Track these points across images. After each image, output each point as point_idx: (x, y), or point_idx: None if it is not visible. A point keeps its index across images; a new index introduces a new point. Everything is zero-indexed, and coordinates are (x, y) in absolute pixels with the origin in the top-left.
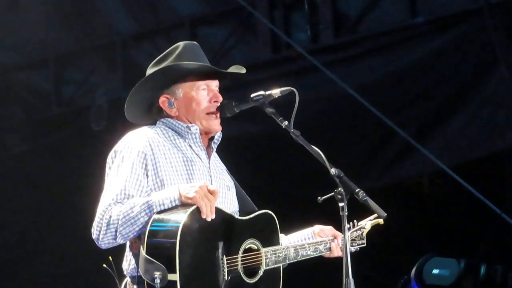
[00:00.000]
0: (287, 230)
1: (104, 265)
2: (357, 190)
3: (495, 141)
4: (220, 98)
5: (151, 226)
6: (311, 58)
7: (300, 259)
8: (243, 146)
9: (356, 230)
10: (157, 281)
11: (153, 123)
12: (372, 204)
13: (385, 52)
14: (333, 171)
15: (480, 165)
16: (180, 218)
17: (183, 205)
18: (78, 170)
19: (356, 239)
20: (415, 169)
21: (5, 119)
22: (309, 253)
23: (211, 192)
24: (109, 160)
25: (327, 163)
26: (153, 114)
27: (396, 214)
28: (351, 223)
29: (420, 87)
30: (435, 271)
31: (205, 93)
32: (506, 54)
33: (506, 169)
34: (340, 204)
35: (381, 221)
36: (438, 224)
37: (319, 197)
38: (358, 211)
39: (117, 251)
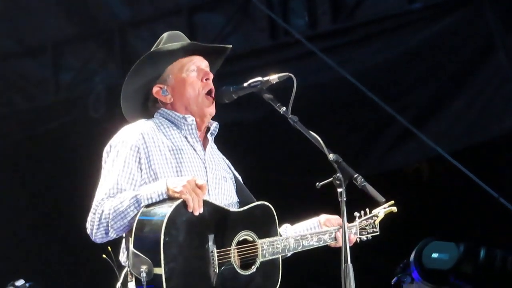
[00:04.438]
0: (285, 216)
1: (104, 256)
2: (355, 176)
3: (493, 126)
4: (211, 75)
5: (137, 220)
6: (309, 44)
7: (303, 249)
8: (240, 133)
9: (367, 219)
10: (143, 274)
11: (151, 115)
12: (371, 189)
13: (383, 38)
14: (331, 156)
15: (478, 151)
16: (165, 211)
17: (171, 199)
18: (77, 157)
19: (367, 227)
20: (414, 155)
21: (3, 106)
22: (312, 243)
23: (199, 187)
24: (104, 154)
25: (325, 149)
26: (149, 109)
27: (394, 200)
28: (362, 211)
29: (419, 73)
30: (435, 255)
31: (195, 73)
32: (504, 40)
33: (504, 154)
34: (339, 190)
35: (394, 209)
36: (437, 209)
37: (317, 183)
38: (357, 197)
39: (117, 242)
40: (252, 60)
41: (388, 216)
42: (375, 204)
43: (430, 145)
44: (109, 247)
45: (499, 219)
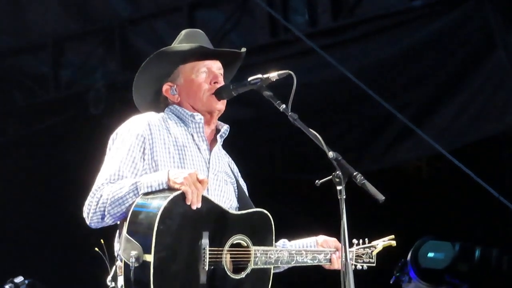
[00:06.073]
0: (285, 214)
1: (96, 249)
2: (355, 174)
3: (494, 124)
4: (220, 79)
5: (134, 205)
6: (309, 41)
7: (296, 265)
8: (239, 130)
9: (365, 247)
10: (132, 260)
11: (162, 111)
12: (370, 187)
13: (383, 35)
14: (331, 154)
15: (479, 148)
16: (163, 201)
17: (170, 189)
18: (77, 154)
19: (363, 256)
20: (414, 152)
21: (3, 103)
22: (306, 260)
23: (200, 181)
24: (110, 141)
25: (325, 146)
26: (160, 103)
27: (394, 198)
28: (360, 240)
29: (419, 70)
30: (430, 255)
31: (205, 75)
32: (504, 37)
33: (504, 152)
34: (338, 188)
35: (393, 243)
36: (437, 207)
37: (317, 181)
38: (356, 196)
39: (110, 235)
40: (252, 58)
41: (388, 213)
42: (375, 203)
43: (430, 142)
44: (101, 240)
45: (499, 218)
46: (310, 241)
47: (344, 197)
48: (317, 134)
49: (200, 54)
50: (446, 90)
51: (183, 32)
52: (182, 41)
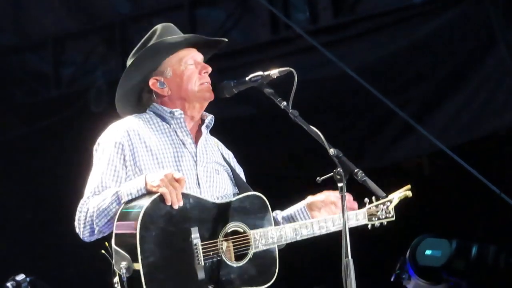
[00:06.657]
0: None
1: (103, 251)
2: (356, 170)
3: (495, 121)
4: (209, 69)
5: (117, 216)
6: (310, 39)
7: (302, 239)
8: (241, 127)
9: (378, 204)
10: (123, 271)
11: (144, 111)
12: (371, 184)
13: (384, 33)
14: (332, 151)
15: (480, 146)
16: (141, 206)
17: (149, 193)
18: (78, 152)
19: (377, 213)
20: (415, 149)
21: (4, 101)
22: (313, 232)
23: (177, 180)
24: (94, 152)
25: (326, 144)
26: (143, 102)
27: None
28: (366, 199)
29: (420, 68)
30: (428, 252)
31: (193, 67)
32: (505, 34)
33: (505, 149)
34: (339, 185)
35: (409, 193)
36: (438, 204)
37: (318, 178)
38: (359, 192)
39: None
40: (253, 55)
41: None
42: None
43: (431, 139)
44: (106, 243)
45: (501, 215)
46: (298, 207)
47: (345, 194)
48: (318, 131)
49: (187, 46)
50: (447, 87)
51: (158, 27)
52: (164, 35)
